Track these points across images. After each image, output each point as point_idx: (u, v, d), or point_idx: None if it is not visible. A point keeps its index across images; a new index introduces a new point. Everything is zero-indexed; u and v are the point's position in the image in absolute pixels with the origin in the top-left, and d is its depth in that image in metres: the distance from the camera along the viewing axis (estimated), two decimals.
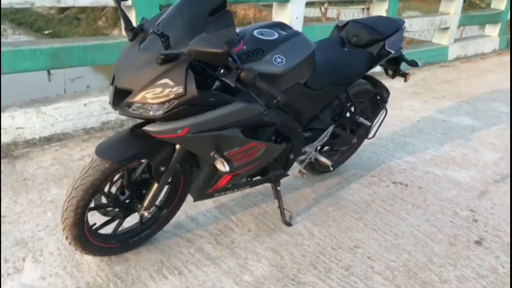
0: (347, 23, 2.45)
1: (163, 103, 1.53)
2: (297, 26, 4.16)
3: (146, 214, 1.88)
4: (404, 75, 2.55)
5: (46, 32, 18.92)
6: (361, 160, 3.02)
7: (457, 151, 3.27)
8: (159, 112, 1.54)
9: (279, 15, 4.27)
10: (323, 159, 2.46)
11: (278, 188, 2.27)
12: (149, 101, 1.53)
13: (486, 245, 2.19)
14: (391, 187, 2.71)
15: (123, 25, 1.69)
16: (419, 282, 1.93)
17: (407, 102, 4.35)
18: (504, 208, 2.53)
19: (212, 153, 1.73)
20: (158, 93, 1.51)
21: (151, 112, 1.55)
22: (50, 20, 20.14)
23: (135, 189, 1.86)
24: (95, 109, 3.18)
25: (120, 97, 1.58)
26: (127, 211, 1.91)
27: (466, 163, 3.07)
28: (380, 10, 5.09)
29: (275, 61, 1.79)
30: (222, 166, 1.72)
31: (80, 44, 3.12)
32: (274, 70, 1.78)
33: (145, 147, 1.72)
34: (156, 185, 1.83)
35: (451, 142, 3.41)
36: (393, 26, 2.40)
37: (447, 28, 6.02)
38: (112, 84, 1.63)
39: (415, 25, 5.63)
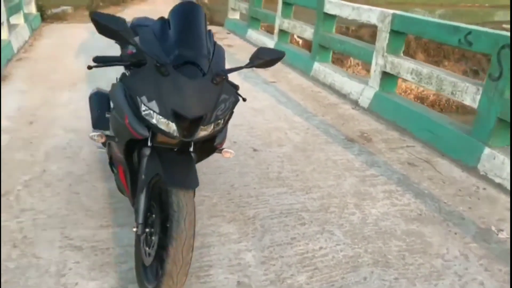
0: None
1: (225, 114, 1.82)
2: None
3: None
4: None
5: None
6: None
7: None
8: (223, 122, 1.83)
9: None
10: None
11: None
12: (220, 116, 1.79)
13: None
14: None
15: (151, 63, 1.74)
16: None
17: None
18: None
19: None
20: (223, 108, 1.81)
21: (221, 123, 1.81)
22: None
23: None
24: None
25: (184, 128, 1.70)
26: None
27: None
28: None
29: None
30: (229, 153, 2.06)
31: None
32: None
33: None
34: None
35: None
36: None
37: None
38: (172, 121, 1.70)
39: None
